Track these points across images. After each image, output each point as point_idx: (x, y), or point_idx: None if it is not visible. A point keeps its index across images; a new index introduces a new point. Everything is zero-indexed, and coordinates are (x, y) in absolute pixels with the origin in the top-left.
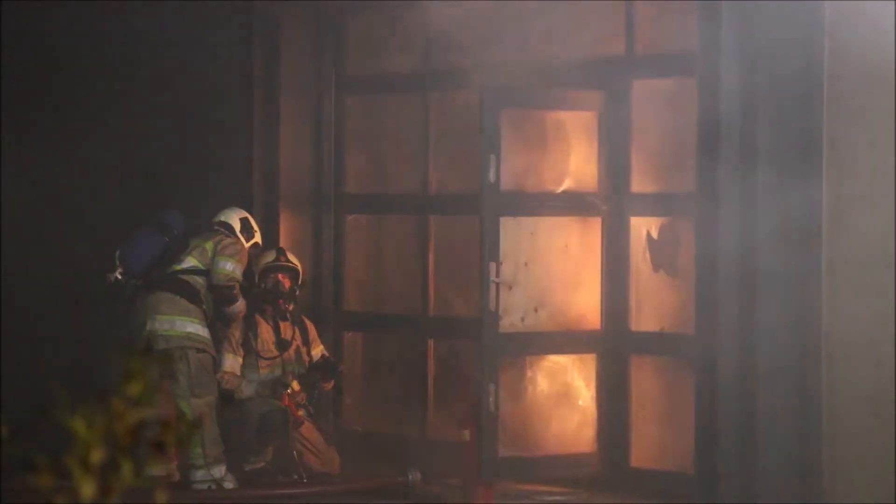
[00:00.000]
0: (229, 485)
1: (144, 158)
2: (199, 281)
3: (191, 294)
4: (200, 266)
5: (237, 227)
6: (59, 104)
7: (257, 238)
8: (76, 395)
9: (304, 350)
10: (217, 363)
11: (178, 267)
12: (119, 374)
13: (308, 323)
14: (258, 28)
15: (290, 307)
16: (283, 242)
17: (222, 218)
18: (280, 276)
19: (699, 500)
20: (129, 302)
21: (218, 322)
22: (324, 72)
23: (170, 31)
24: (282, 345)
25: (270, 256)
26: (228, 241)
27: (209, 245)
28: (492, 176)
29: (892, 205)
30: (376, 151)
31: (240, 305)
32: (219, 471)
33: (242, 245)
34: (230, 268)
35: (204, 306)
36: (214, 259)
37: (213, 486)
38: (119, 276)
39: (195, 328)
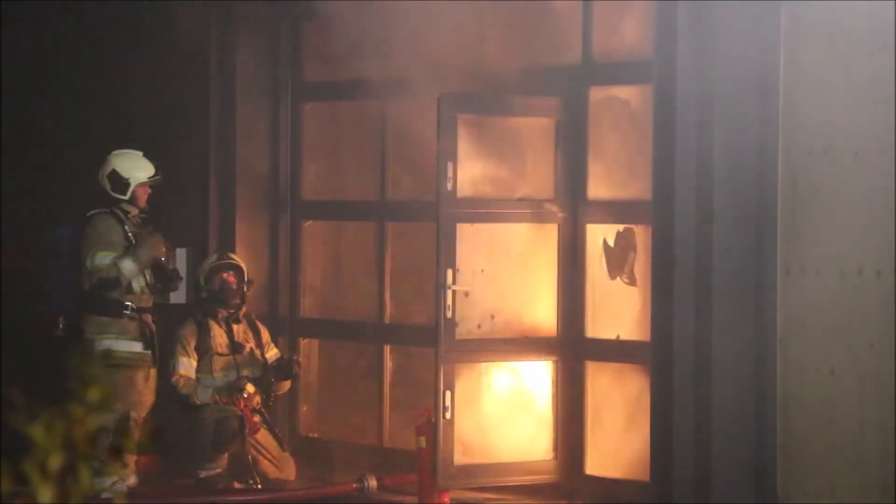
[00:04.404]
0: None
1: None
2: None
3: (107, 308)
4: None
5: (108, 187)
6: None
7: (141, 180)
8: (35, 400)
9: (258, 353)
10: (171, 367)
11: (87, 286)
12: (78, 379)
13: (261, 326)
14: (214, 33)
15: (243, 307)
16: (239, 248)
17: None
18: (225, 274)
19: None
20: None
21: (178, 328)
22: (280, 77)
23: (125, 37)
24: (235, 348)
25: (212, 257)
26: (86, 232)
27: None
28: (449, 183)
29: (847, 212)
30: (333, 157)
31: (130, 268)
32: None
33: (102, 222)
34: (98, 261)
35: (126, 312)
36: (84, 260)
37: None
38: (62, 324)
39: (123, 344)
